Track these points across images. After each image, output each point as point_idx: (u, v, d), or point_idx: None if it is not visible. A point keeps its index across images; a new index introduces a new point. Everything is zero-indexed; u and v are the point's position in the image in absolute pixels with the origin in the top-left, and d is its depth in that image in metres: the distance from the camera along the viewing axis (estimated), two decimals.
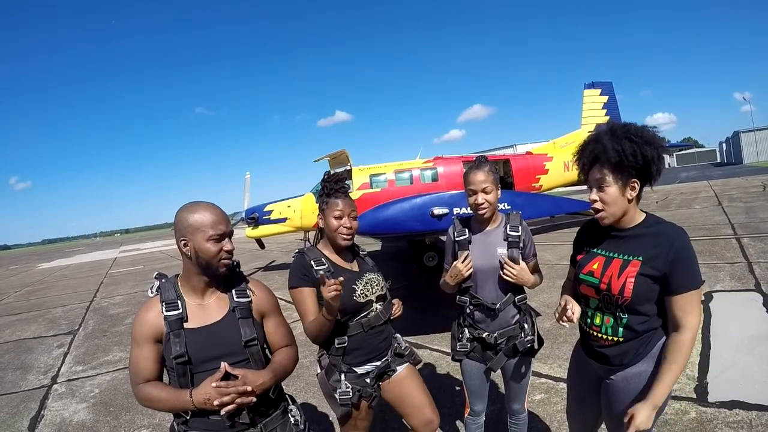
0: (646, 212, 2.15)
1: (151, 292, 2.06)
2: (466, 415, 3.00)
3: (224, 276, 2.09)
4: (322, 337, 2.56)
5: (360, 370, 2.67)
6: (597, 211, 2.11)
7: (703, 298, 6.32)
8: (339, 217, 2.64)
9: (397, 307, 2.80)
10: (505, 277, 2.66)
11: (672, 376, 1.96)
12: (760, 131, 66.07)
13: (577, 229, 2.53)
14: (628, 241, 2.11)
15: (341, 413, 2.64)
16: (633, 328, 2.07)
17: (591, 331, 2.21)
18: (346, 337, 2.62)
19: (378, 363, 2.71)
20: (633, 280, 2.02)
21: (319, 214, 2.75)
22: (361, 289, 2.64)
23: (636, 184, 2.05)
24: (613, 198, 2.05)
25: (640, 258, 2.03)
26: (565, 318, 2.14)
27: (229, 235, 2.03)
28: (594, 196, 2.09)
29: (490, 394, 3.05)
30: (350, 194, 2.77)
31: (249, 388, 1.90)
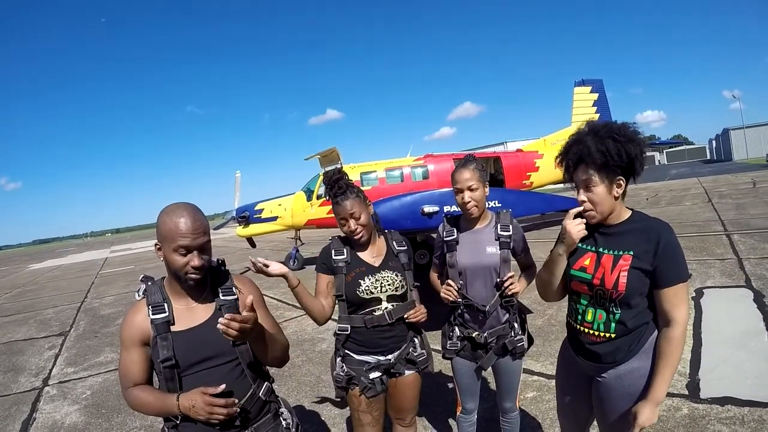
0: (631, 209, 2.18)
1: (138, 295, 2.02)
2: (458, 414, 2.99)
3: (194, 286, 2.00)
4: (311, 314, 2.67)
5: (358, 357, 2.69)
6: (586, 210, 2.12)
7: (693, 294, 6.40)
8: (344, 224, 2.64)
9: (414, 313, 2.69)
10: (509, 292, 2.68)
11: (670, 371, 2.00)
12: (750, 128, 67.08)
13: None
14: (616, 237, 2.13)
15: (336, 395, 2.76)
16: (625, 324, 2.08)
17: (582, 328, 2.22)
18: (348, 326, 2.67)
19: (380, 358, 2.69)
20: (626, 274, 2.03)
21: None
22: (367, 285, 2.63)
23: (622, 182, 2.08)
24: (601, 197, 2.07)
25: (631, 252, 2.05)
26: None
27: (199, 248, 1.91)
28: (582, 197, 2.10)
29: (482, 393, 3.05)
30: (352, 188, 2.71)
31: (236, 401, 1.89)
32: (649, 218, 2.13)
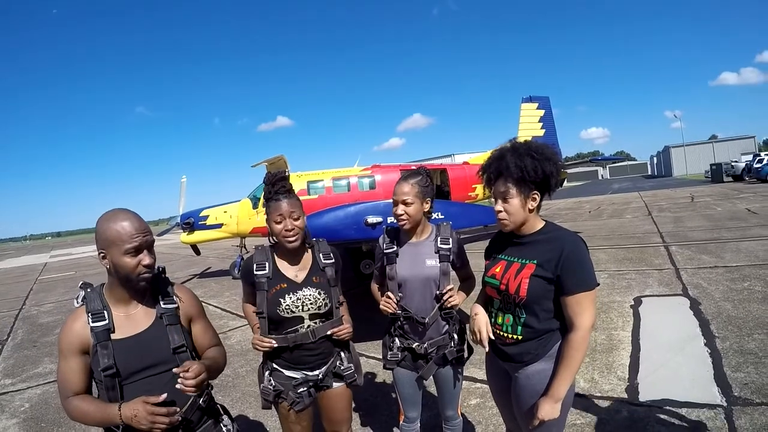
0: (546, 220, 2.34)
1: (77, 303, 1.98)
2: (401, 422, 3.00)
3: (146, 287, 2.00)
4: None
5: (286, 372, 2.63)
6: (501, 219, 2.28)
7: (633, 303, 6.62)
8: (280, 222, 2.53)
9: (339, 331, 2.62)
10: (449, 304, 2.70)
11: (569, 372, 2.13)
12: (690, 146, 71.04)
13: None
14: (526, 246, 2.30)
15: (262, 406, 2.67)
16: (531, 326, 2.24)
17: (495, 330, 2.37)
18: (274, 343, 2.58)
19: (308, 373, 2.63)
20: (528, 280, 2.19)
21: (267, 219, 2.65)
22: (288, 304, 2.56)
23: (536, 196, 2.25)
24: (515, 209, 2.23)
25: (535, 261, 2.21)
26: (480, 339, 2.32)
27: (148, 246, 1.93)
28: (499, 207, 2.27)
29: (425, 401, 3.07)
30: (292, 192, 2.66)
31: (178, 410, 1.87)
32: (560, 230, 2.29)
